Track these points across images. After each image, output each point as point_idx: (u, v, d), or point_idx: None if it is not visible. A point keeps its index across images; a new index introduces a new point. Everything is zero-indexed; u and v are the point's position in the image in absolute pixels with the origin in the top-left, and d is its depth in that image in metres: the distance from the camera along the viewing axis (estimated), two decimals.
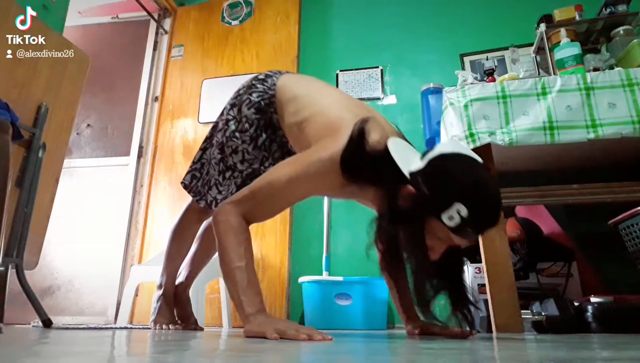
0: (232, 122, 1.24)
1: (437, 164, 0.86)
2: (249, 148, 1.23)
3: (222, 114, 1.31)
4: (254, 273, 0.94)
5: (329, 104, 1.10)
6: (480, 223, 0.84)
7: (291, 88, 1.18)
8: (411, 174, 0.88)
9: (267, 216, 1.04)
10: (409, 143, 1.06)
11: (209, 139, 1.35)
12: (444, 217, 0.82)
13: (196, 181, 1.37)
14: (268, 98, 1.20)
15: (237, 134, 1.23)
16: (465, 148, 0.91)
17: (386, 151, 0.93)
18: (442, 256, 0.90)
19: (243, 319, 0.89)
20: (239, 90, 1.29)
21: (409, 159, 0.91)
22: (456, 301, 0.93)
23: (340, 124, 1.00)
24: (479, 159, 0.88)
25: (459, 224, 0.81)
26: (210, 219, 1.42)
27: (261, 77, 1.26)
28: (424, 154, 0.91)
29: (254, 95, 1.22)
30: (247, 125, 1.22)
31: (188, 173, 1.39)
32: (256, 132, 1.22)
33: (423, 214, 0.85)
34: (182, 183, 1.39)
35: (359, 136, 0.93)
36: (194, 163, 1.38)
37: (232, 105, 1.27)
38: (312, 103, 1.12)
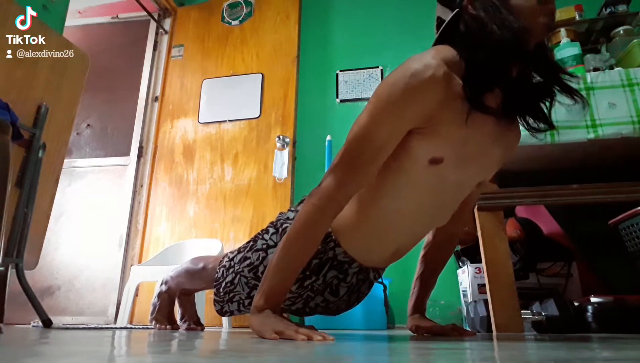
0: (271, 251, 1.06)
1: None
2: (292, 287, 1.02)
3: (267, 232, 1.11)
4: (296, 272, 0.90)
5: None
6: None
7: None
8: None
9: (361, 176, 0.87)
10: None
11: (248, 249, 1.14)
12: None
13: (222, 280, 1.18)
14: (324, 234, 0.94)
15: None
16: None
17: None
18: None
19: (253, 305, 0.88)
20: (282, 213, 1.12)
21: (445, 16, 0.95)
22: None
23: None
24: None
25: None
26: None
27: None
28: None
29: None
30: None
31: (221, 265, 1.20)
32: (304, 273, 1.03)
33: None
34: (215, 273, 1.21)
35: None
36: (228, 259, 1.19)
37: (277, 229, 1.09)
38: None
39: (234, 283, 1.14)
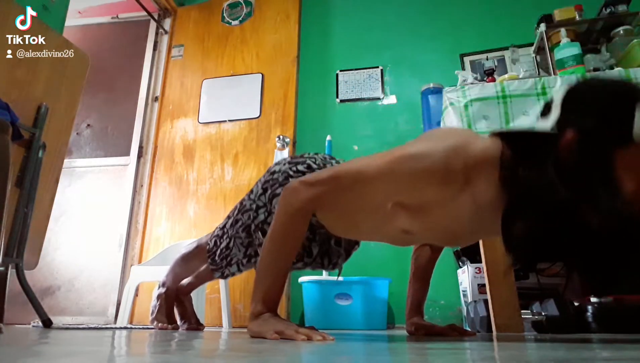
0: (262, 210, 1.10)
1: (580, 93, 0.64)
2: None
3: (252, 192, 1.17)
4: (285, 271, 0.92)
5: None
6: None
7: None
8: (557, 124, 0.64)
9: (341, 206, 0.91)
10: None
11: (238, 212, 1.21)
12: (637, 129, 0.56)
13: (216, 248, 1.26)
14: None
15: (264, 227, 1.08)
16: None
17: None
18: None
19: (250, 311, 0.89)
20: (273, 172, 1.12)
21: (532, 127, 0.69)
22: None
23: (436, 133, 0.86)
24: None
25: None
26: None
27: (301, 168, 1.08)
28: (542, 114, 0.68)
29: None
30: None
31: (212, 236, 1.29)
32: None
33: (609, 147, 0.58)
34: (207, 245, 1.30)
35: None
36: (219, 228, 1.28)
37: (265, 189, 1.11)
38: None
39: (230, 247, 1.22)
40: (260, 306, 0.88)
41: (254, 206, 1.13)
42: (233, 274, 1.28)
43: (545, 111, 0.68)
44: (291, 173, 1.09)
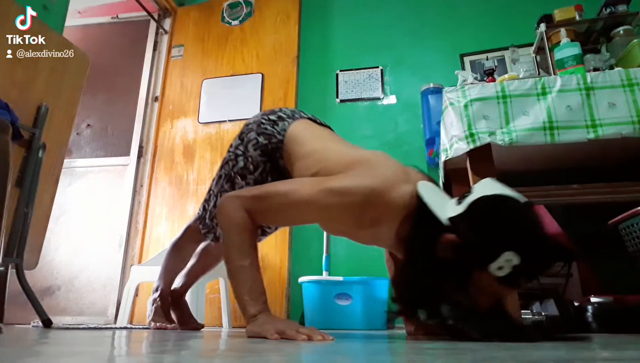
0: (241, 158, 1.20)
1: (480, 209, 0.77)
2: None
3: (231, 146, 1.26)
4: (258, 271, 0.94)
5: (346, 150, 1.05)
6: (533, 270, 0.76)
7: (301, 142, 1.11)
8: (451, 221, 0.78)
9: (272, 222, 1.01)
10: (435, 182, 0.98)
11: (221, 169, 1.29)
12: (493, 267, 0.73)
13: (205, 212, 1.31)
14: (275, 143, 1.15)
15: (243, 172, 1.19)
16: (505, 188, 0.82)
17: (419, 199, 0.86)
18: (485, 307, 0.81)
19: (246, 319, 0.89)
20: (249, 124, 1.23)
21: (443, 204, 0.83)
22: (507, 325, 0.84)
23: (372, 161, 0.94)
24: (522, 198, 0.80)
25: (509, 273, 0.73)
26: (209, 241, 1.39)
27: (273, 117, 1.20)
28: (460, 197, 0.83)
29: (261, 137, 1.16)
30: (252, 166, 1.18)
31: (201, 206, 1.34)
32: (261, 176, 1.18)
33: (468, 267, 0.77)
34: (196, 219, 1.35)
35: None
36: (204, 199, 1.33)
37: (241, 139, 1.22)
38: (327, 157, 1.03)
39: (217, 204, 1.25)
40: (253, 309, 0.88)
41: (232, 156, 1.22)
42: None
43: (462, 197, 0.82)
44: (263, 120, 1.19)
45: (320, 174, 0.99)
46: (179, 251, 1.43)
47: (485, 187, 0.82)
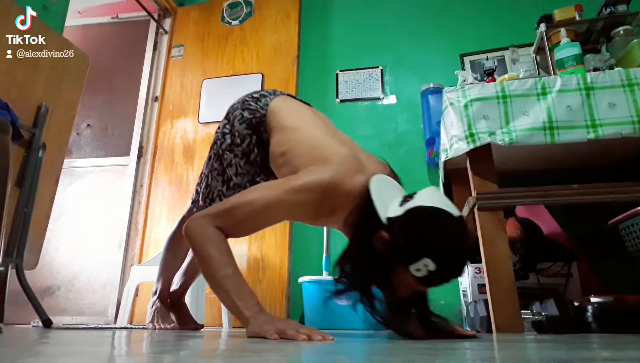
0: (228, 136, 1.26)
1: (414, 217, 0.87)
2: (240, 162, 1.25)
3: (219, 127, 1.33)
4: (242, 277, 0.94)
5: (315, 136, 1.11)
6: (445, 276, 0.88)
7: (281, 116, 1.19)
8: (389, 220, 0.89)
9: (244, 233, 1.02)
10: (395, 174, 1.10)
11: (210, 151, 1.35)
12: (412, 268, 0.85)
13: (198, 195, 1.35)
14: (259, 117, 1.22)
15: (231, 147, 1.25)
16: (445, 201, 0.91)
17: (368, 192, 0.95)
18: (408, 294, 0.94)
19: (243, 322, 0.88)
20: (234, 104, 1.31)
21: (388, 204, 0.92)
22: (423, 320, 0.98)
23: (327, 156, 1.01)
24: (457, 212, 0.89)
25: (425, 276, 0.85)
26: None
27: (256, 95, 1.28)
28: (404, 199, 0.91)
29: (246, 112, 1.24)
30: (238, 140, 1.24)
31: (194, 192, 1.39)
32: (248, 148, 1.24)
33: (393, 262, 0.88)
34: (191, 199, 1.40)
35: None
36: (199, 176, 1.39)
37: (228, 119, 1.29)
38: (298, 138, 1.11)
39: (209, 184, 1.32)
40: (248, 311, 0.88)
41: (220, 136, 1.29)
42: None
43: (405, 200, 0.91)
44: (247, 98, 1.28)
45: (287, 155, 1.10)
46: (175, 244, 1.44)
47: (426, 198, 0.90)
